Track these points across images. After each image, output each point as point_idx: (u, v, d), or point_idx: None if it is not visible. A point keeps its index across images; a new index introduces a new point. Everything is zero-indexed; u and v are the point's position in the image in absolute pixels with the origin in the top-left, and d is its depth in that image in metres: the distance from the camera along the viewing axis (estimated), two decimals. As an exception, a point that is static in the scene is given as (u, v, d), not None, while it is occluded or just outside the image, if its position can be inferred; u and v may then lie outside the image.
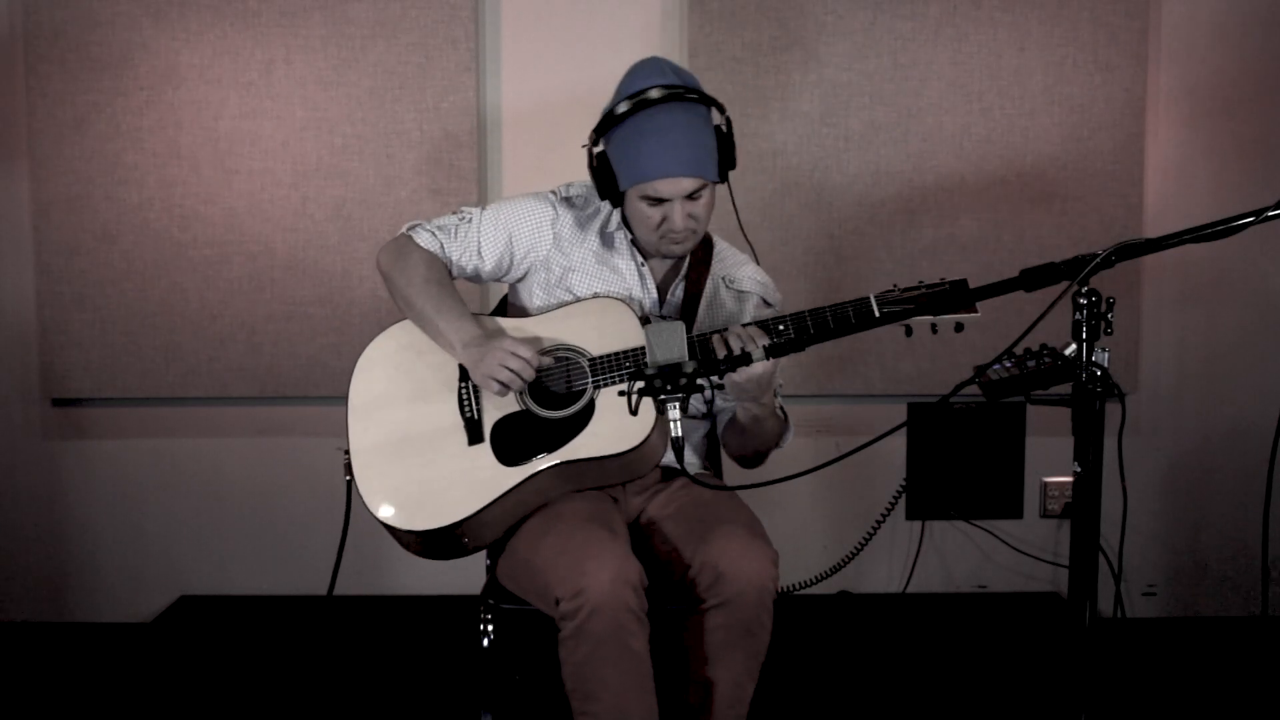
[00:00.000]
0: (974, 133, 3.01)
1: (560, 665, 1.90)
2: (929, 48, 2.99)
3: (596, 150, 2.06)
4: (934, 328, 1.95)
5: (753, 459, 2.19)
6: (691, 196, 2.02)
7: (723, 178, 2.07)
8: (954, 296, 1.91)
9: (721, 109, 2.06)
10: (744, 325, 1.97)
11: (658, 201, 2.02)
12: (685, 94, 2.00)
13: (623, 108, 2.00)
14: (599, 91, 2.95)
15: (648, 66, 2.06)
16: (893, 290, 1.95)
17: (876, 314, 1.93)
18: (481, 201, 3.03)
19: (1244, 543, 3.17)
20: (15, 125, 3.02)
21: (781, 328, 1.96)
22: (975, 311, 1.92)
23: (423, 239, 2.15)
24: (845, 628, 3.05)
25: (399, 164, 3.00)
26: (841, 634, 3.02)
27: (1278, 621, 3.06)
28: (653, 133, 1.98)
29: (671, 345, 1.90)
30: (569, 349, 2.07)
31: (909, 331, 1.96)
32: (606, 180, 2.06)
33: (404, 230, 2.18)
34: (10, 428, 3.13)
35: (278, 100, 2.99)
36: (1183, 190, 3.07)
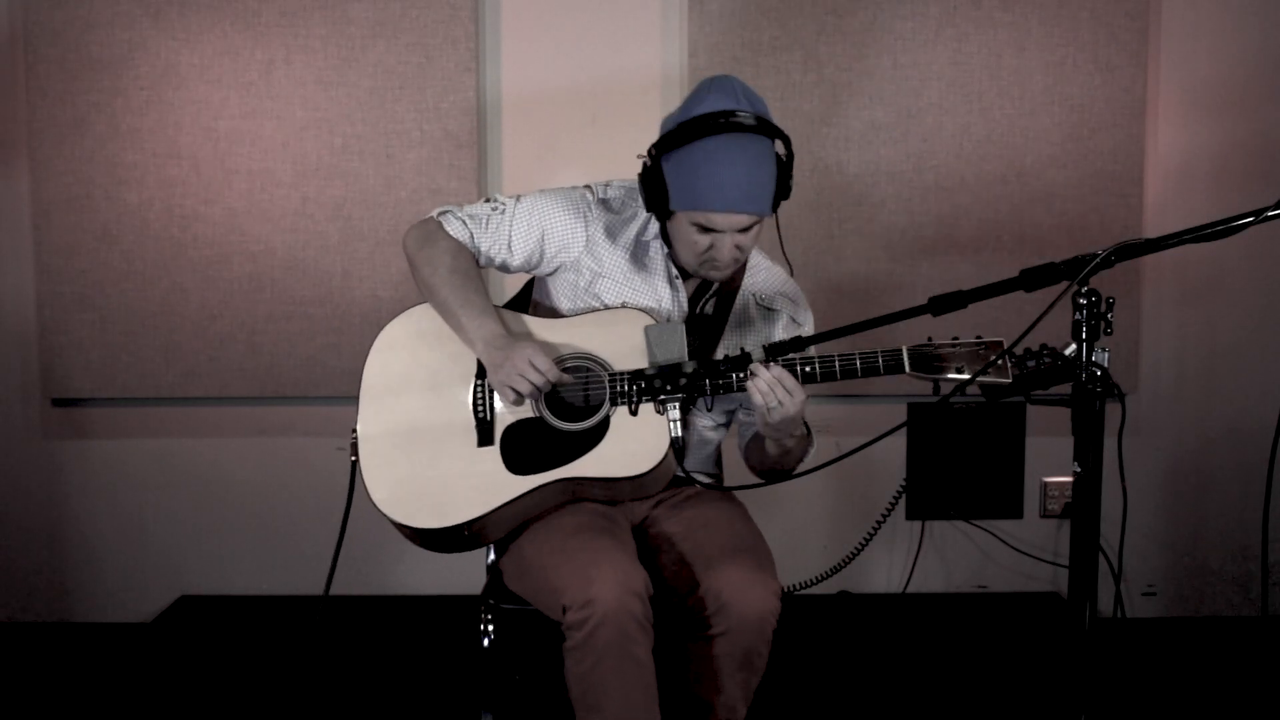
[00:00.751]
0: (974, 133, 3.01)
1: (564, 673, 1.89)
2: (929, 48, 2.99)
3: (653, 163, 1.99)
4: (962, 389, 1.90)
5: (780, 473, 2.14)
6: (744, 230, 1.97)
7: (774, 208, 2.01)
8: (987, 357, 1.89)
9: (787, 141, 1.99)
10: (769, 367, 1.93)
11: (707, 230, 1.96)
12: (755, 125, 1.93)
13: (689, 128, 1.93)
14: (599, 91, 2.97)
15: (721, 87, 1.98)
16: (927, 345, 1.92)
17: (908, 369, 1.92)
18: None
19: (1244, 543, 3.17)
20: (15, 125, 3.02)
21: (808, 369, 1.94)
22: (1007, 378, 1.87)
23: (453, 227, 2.10)
24: (845, 628, 3.05)
25: (399, 164, 3.00)
26: (841, 634, 3.02)
27: (1278, 621, 3.06)
28: (716, 162, 1.91)
29: (671, 346, 1.90)
30: (590, 359, 2.03)
31: (936, 389, 1.93)
32: (657, 194, 1.99)
33: (434, 214, 2.13)
34: (10, 428, 3.13)
35: (278, 100, 2.99)
36: (1183, 190, 3.06)
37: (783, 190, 2.00)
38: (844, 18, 2.98)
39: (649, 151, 2.00)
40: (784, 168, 1.99)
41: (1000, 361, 1.88)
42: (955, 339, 1.92)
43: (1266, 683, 2.72)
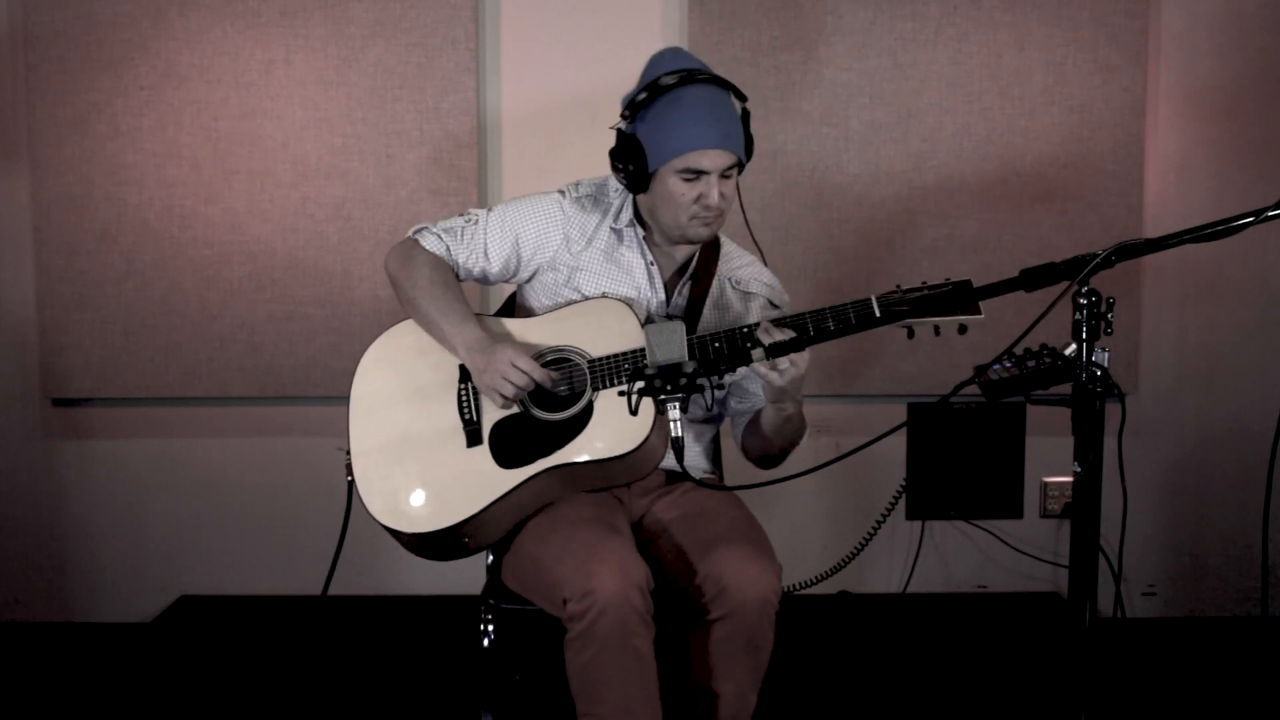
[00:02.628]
0: (974, 133, 3.01)
1: (565, 666, 1.90)
2: (929, 48, 2.99)
3: (627, 131, 2.05)
4: (936, 329, 1.96)
5: (778, 456, 2.17)
6: (725, 175, 2.03)
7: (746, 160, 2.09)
8: (956, 297, 1.92)
9: (743, 98, 2.07)
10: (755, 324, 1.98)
11: (696, 176, 2.01)
12: (715, 78, 2.03)
13: (659, 85, 2.00)
14: (599, 91, 2.97)
15: (672, 53, 2.08)
16: (895, 291, 1.96)
17: (877, 314, 1.95)
18: (482, 201, 3.03)
19: (1244, 543, 3.17)
20: (15, 125, 3.02)
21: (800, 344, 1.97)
22: (979, 314, 1.92)
23: (429, 242, 2.15)
24: (845, 628, 3.05)
25: (399, 164, 3.00)
26: (841, 634, 3.02)
27: (1278, 621, 3.06)
28: (691, 106, 1.99)
29: (671, 345, 1.90)
30: (570, 350, 2.07)
31: (910, 333, 1.98)
32: (635, 161, 2.03)
33: (410, 234, 2.18)
34: (10, 428, 3.13)
35: (278, 100, 2.99)
36: (1183, 190, 3.06)
37: (749, 145, 2.09)
38: (844, 18, 2.98)
39: (622, 115, 2.06)
40: (745, 121, 2.08)
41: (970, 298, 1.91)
42: (924, 283, 1.97)
43: (1266, 683, 2.72)
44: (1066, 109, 3.00)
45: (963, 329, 1.95)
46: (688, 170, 2.01)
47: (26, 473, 3.15)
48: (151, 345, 3.04)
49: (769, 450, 2.16)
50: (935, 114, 3.00)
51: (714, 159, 2.00)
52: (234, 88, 2.98)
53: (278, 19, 2.97)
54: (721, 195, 2.03)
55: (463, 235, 2.15)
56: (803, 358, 1.93)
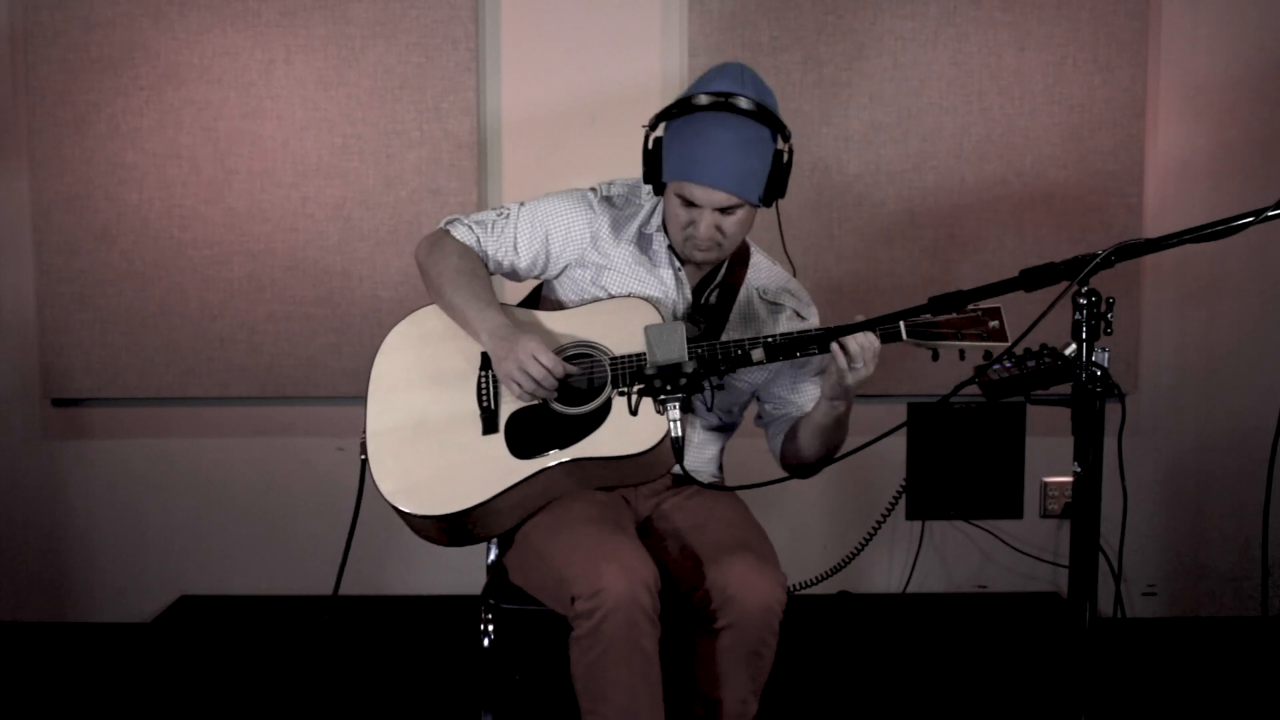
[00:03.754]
0: (974, 133, 3.01)
1: (570, 664, 1.90)
2: (929, 48, 2.99)
3: (654, 134, 2.04)
4: (961, 354, 1.94)
5: (816, 465, 2.14)
6: (726, 211, 1.99)
7: (768, 203, 2.04)
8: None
9: (787, 136, 2.02)
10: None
11: (689, 204, 2.00)
12: (753, 111, 1.97)
13: (692, 101, 1.97)
14: (599, 91, 2.97)
15: (731, 71, 2.02)
16: (924, 315, 1.93)
17: (904, 337, 1.93)
18: (482, 202, 3.03)
19: (1244, 543, 3.17)
20: (15, 125, 3.02)
21: (814, 350, 1.96)
22: (1005, 340, 1.90)
23: (459, 233, 2.15)
24: (845, 628, 3.05)
25: (399, 164, 3.00)
26: (841, 634, 3.02)
27: (1278, 621, 3.06)
28: (707, 135, 1.96)
29: (671, 345, 1.90)
30: (592, 346, 2.06)
31: (935, 355, 1.96)
32: (654, 167, 2.04)
33: (442, 224, 2.18)
34: (10, 428, 3.13)
35: (278, 100, 2.99)
36: (1183, 190, 3.07)
37: (777, 186, 2.03)
38: (844, 18, 2.98)
39: (650, 122, 2.04)
40: (781, 163, 2.01)
41: (994, 344, 1.90)
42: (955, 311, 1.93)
43: (1266, 683, 2.72)
44: (1066, 109, 3.00)
45: (988, 355, 1.92)
46: (682, 196, 2.00)
47: (26, 473, 3.15)
48: (151, 345, 3.04)
49: (810, 457, 2.12)
50: (935, 114, 3.00)
51: (705, 194, 1.97)
52: (234, 88, 2.98)
53: (278, 19, 2.97)
54: (717, 229, 2.01)
55: (493, 228, 2.15)
56: (875, 357, 1.92)
